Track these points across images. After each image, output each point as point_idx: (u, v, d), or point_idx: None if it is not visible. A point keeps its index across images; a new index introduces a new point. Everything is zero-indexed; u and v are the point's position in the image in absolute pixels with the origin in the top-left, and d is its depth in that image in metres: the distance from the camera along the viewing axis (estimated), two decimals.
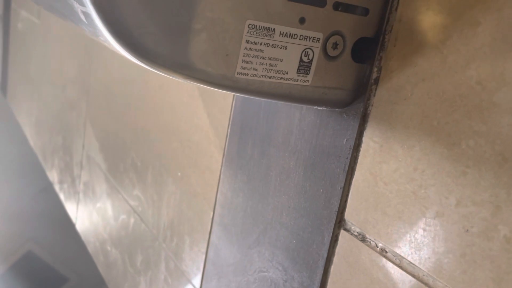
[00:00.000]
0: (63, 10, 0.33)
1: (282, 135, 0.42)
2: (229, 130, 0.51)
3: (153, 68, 0.28)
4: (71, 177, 1.11)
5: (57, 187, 1.24)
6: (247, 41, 0.28)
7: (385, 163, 0.33)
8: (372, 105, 0.34)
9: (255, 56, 0.29)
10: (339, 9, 0.31)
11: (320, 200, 0.38)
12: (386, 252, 0.33)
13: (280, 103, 0.42)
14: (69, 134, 1.12)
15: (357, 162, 0.35)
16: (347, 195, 0.36)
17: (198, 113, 0.57)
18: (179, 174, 0.62)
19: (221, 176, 0.52)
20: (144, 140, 0.73)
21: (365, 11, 0.32)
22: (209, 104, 0.55)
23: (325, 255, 0.37)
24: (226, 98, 0.51)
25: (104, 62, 0.90)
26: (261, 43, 0.29)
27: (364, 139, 0.34)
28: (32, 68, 1.45)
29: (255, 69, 0.29)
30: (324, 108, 0.37)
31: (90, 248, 1.01)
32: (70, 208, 1.14)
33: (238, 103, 0.49)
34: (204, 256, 0.57)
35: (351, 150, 0.35)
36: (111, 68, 0.86)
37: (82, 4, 0.26)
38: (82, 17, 0.28)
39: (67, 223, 1.17)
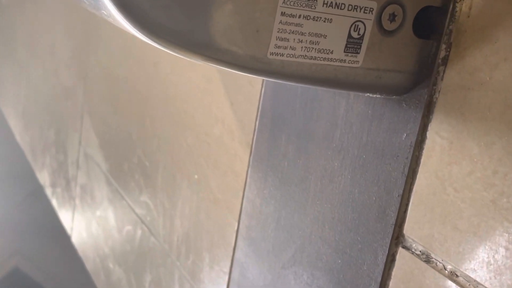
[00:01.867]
0: None
1: (324, 129, 0.42)
2: (257, 123, 0.51)
3: (167, 49, 0.28)
4: (65, 179, 1.14)
5: (48, 191, 1.27)
6: (283, 14, 0.28)
7: (456, 164, 0.32)
8: (439, 92, 0.33)
9: (293, 32, 0.29)
10: None
11: (373, 211, 0.38)
12: (457, 276, 0.32)
13: (321, 90, 0.42)
14: (63, 128, 1.14)
15: (419, 163, 0.35)
16: (407, 205, 0.36)
17: (218, 102, 0.58)
18: (195, 176, 0.63)
19: (248, 179, 0.53)
20: (153, 135, 0.74)
21: None
22: (232, 91, 0.55)
23: (379, 279, 0.37)
24: (253, 84, 0.52)
25: (105, 41, 0.91)
26: (300, 16, 0.29)
27: (428, 134, 0.34)
28: (19, 48, 1.49)
29: (292, 48, 0.29)
30: (378, 96, 0.36)
31: (89, 265, 1.03)
32: (65, 216, 1.17)
33: (269, 90, 0.49)
34: (227, 277, 0.57)
35: (412, 148, 0.35)
36: (114, 48, 0.88)
37: None
38: None
39: (61, 235, 1.20)
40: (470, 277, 0.32)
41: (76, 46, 1.06)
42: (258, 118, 0.51)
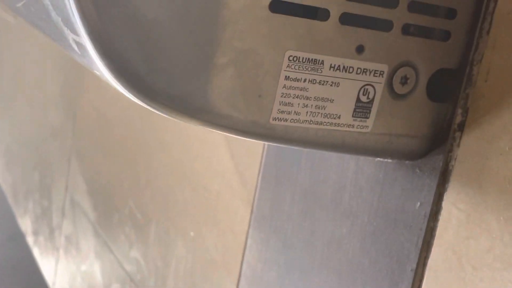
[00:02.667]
0: (49, 32, 0.34)
1: (332, 191, 0.42)
2: (259, 179, 0.51)
3: (163, 113, 0.29)
4: (49, 228, 1.13)
5: (30, 240, 1.27)
6: (287, 78, 0.29)
7: (473, 239, 0.32)
8: (455, 159, 0.34)
9: (297, 97, 0.30)
10: (410, 32, 0.31)
11: (384, 284, 0.38)
12: None
13: None
14: (49, 171, 1.15)
15: (434, 235, 0.35)
16: (421, 280, 0.35)
17: (219, 154, 0.58)
18: (191, 233, 0.63)
19: (248, 241, 0.53)
20: (146, 185, 0.75)
21: (446, 35, 0.32)
22: (233, 143, 0.56)
23: None
24: None
25: (97, 78, 0.92)
26: (305, 80, 0.29)
27: (444, 204, 0.34)
28: (4, 81, 1.51)
29: (297, 113, 0.30)
30: (389, 160, 0.37)
31: None
32: (47, 269, 1.16)
33: (272, 145, 0.49)
34: None
35: (427, 219, 0.35)
36: (107, 87, 0.89)
37: (75, 33, 0.27)
38: (74, 46, 0.29)
39: None
40: None
41: (65, 83, 1.08)
42: (260, 174, 0.51)
